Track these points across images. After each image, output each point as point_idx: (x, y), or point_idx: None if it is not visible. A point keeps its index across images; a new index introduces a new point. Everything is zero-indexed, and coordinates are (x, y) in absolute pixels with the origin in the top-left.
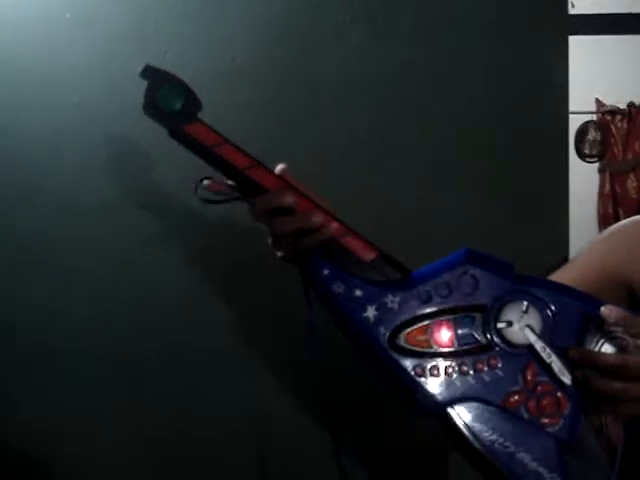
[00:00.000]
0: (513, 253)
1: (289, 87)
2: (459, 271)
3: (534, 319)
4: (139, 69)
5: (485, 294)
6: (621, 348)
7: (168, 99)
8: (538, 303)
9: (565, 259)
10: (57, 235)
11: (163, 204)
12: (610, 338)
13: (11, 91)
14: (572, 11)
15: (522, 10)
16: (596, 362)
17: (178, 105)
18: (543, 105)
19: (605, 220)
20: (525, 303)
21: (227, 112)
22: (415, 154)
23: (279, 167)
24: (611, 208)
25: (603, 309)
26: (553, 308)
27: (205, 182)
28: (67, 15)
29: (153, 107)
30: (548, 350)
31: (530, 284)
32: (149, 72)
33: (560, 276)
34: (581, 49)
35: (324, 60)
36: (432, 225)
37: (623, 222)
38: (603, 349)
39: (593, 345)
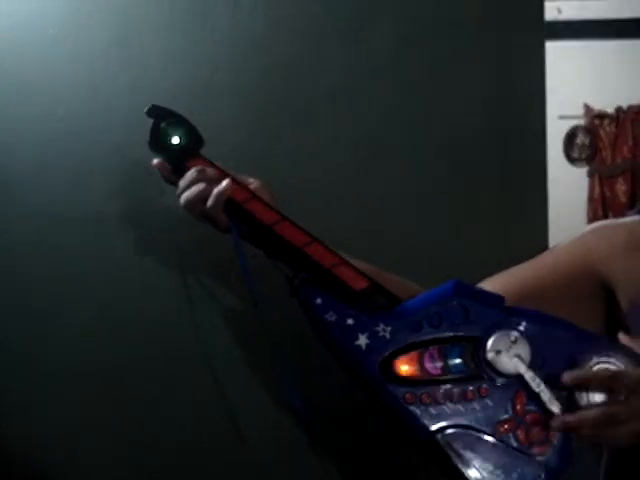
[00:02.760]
0: (493, 256)
1: (271, 99)
2: (449, 302)
3: (523, 349)
4: (146, 108)
5: (475, 325)
6: None
7: (172, 136)
8: (527, 334)
9: None
10: (44, 245)
11: (148, 213)
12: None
13: None
14: (560, 17)
15: (500, 16)
16: (589, 379)
17: (181, 142)
18: (523, 109)
19: None
20: (514, 333)
21: (209, 125)
22: (399, 159)
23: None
24: (601, 212)
25: (566, 376)
26: (542, 339)
27: (154, 162)
28: (51, 30)
29: (158, 144)
30: (537, 380)
31: (520, 316)
32: (154, 111)
33: (538, 262)
34: (569, 54)
35: (306, 71)
36: (416, 230)
37: (605, 222)
38: None
39: None
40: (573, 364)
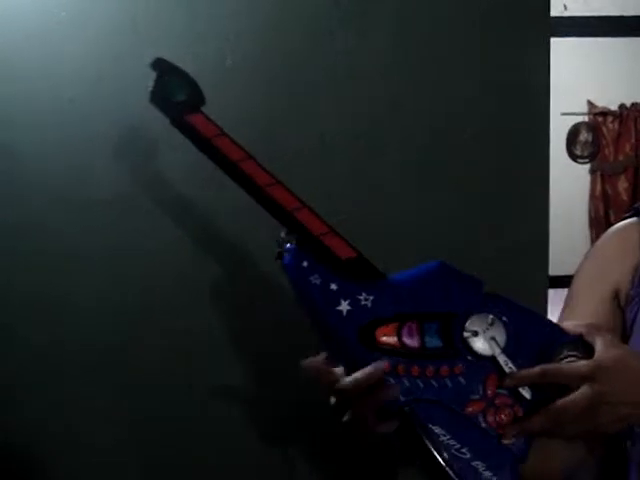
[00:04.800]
0: (494, 251)
1: (278, 88)
2: (432, 280)
3: (499, 333)
4: (149, 61)
5: (455, 304)
6: None
7: (173, 90)
8: (504, 319)
9: (544, 259)
10: (46, 228)
11: (152, 198)
12: (568, 362)
13: (8, 87)
14: (565, 13)
15: (505, 12)
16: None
17: (182, 96)
18: (526, 106)
19: (596, 221)
20: (491, 316)
21: (216, 112)
22: (399, 154)
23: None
24: (602, 209)
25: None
26: (517, 327)
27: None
28: (62, 13)
29: (159, 96)
30: (510, 364)
31: (497, 302)
32: (158, 64)
33: (579, 300)
34: (573, 51)
35: (312, 61)
36: (415, 224)
37: (609, 232)
38: None
39: None
40: (544, 355)
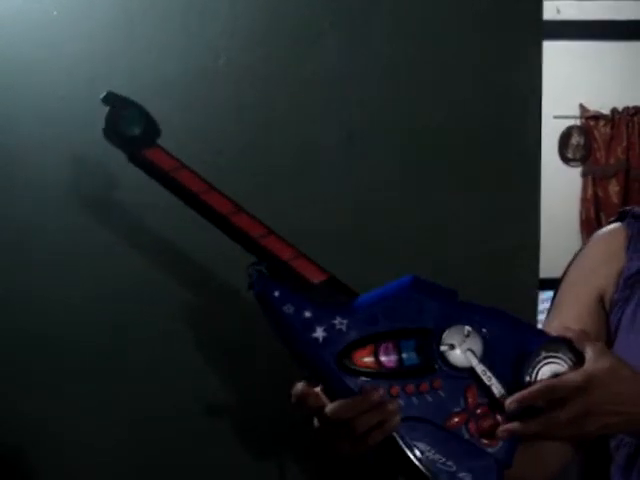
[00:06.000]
0: (484, 254)
1: (271, 87)
2: (405, 296)
3: (475, 343)
4: (102, 94)
5: (429, 318)
6: (556, 373)
7: (129, 124)
8: (479, 328)
9: (535, 261)
10: (44, 226)
11: (148, 196)
12: (546, 363)
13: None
14: (558, 17)
15: (498, 14)
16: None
17: (138, 130)
18: (518, 108)
19: (587, 224)
20: (467, 328)
21: (210, 111)
22: (392, 154)
23: None
24: (593, 212)
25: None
26: (493, 334)
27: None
28: (54, 12)
29: (113, 131)
30: (488, 373)
31: (472, 311)
32: (111, 98)
33: (564, 304)
34: (566, 54)
35: (305, 62)
36: (408, 225)
37: (593, 238)
38: (540, 373)
39: (530, 370)
40: (522, 359)
